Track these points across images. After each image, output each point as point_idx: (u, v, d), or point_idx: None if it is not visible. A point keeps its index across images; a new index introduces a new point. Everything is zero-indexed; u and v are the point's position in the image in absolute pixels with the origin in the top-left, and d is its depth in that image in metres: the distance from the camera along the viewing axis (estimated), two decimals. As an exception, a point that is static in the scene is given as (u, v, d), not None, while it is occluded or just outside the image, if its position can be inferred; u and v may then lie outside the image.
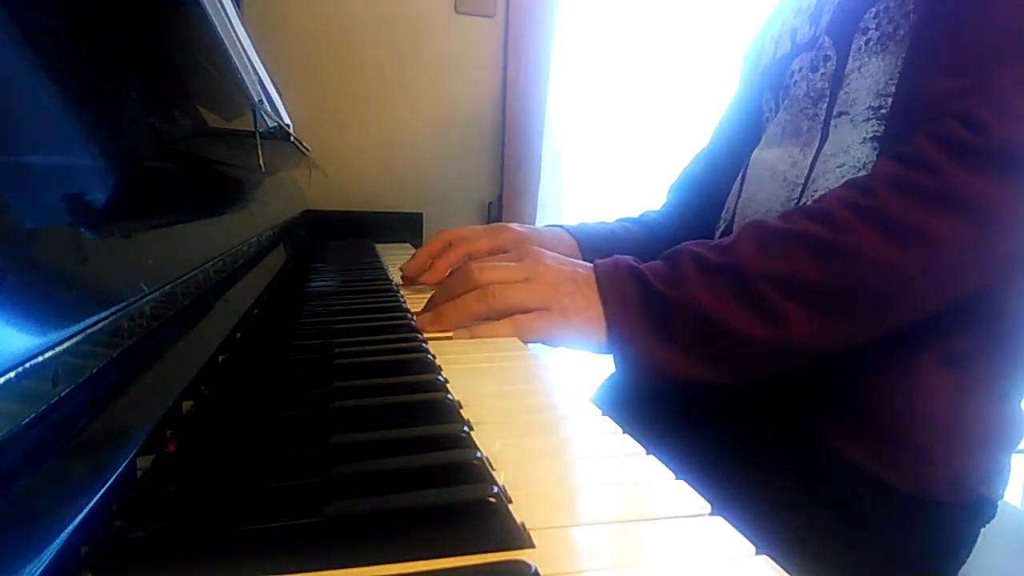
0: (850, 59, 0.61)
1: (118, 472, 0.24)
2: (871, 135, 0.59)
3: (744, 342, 0.52)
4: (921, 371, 0.56)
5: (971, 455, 0.57)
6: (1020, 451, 0.62)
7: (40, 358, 0.22)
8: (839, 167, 0.61)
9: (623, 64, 1.82)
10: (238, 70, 0.66)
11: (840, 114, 0.62)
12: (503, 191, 1.70)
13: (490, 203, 1.71)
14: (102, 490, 0.23)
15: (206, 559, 0.22)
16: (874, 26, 0.59)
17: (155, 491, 0.26)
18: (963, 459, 0.57)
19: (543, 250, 0.60)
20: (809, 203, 0.62)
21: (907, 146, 0.51)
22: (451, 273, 0.58)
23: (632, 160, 1.81)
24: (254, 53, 0.83)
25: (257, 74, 0.77)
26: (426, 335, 0.52)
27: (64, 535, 0.20)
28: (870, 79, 0.60)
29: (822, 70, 0.64)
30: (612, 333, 0.54)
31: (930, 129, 0.50)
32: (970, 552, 0.60)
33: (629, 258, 0.57)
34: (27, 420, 0.21)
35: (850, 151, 0.60)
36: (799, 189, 0.65)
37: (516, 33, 1.63)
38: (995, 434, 0.58)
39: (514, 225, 0.76)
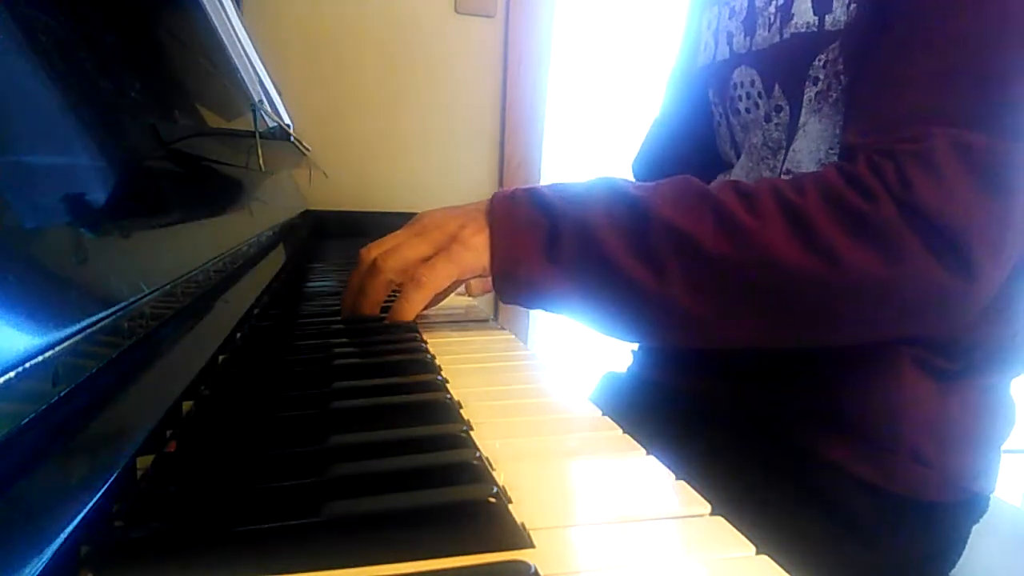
0: (803, 111, 0.59)
1: (118, 472, 0.24)
2: None
3: (623, 283, 0.49)
4: (904, 371, 0.56)
5: (961, 452, 0.57)
6: (1019, 451, 0.62)
7: (40, 358, 0.22)
8: None
9: (623, 64, 1.82)
10: (238, 70, 0.66)
11: (788, 172, 0.61)
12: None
13: (490, 203, 1.71)
14: (102, 490, 0.23)
15: (206, 559, 0.22)
16: (822, 75, 0.57)
17: (155, 491, 0.26)
18: (953, 457, 0.57)
19: (434, 209, 0.58)
20: None
21: (847, 164, 0.49)
22: (362, 274, 0.55)
23: (632, 160, 1.80)
24: (254, 53, 0.83)
25: (257, 74, 0.77)
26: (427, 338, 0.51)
27: (64, 535, 0.20)
28: (811, 142, 0.59)
29: (776, 120, 0.62)
30: (495, 254, 0.51)
31: (868, 158, 0.48)
32: (963, 548, 0.60)
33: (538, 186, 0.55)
34: (27, 420, 0.21)
35: None
36: None
37: (516, 33, 1.63)
38: (985, 428, 0.58)
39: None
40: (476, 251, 0.52)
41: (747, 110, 0.66)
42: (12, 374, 0.20)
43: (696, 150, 0.79)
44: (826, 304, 0.49)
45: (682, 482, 0.28)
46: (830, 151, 0.57)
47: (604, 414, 0.36)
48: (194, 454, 0.30)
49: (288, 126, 0.87)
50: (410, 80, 1.62)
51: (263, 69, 0.91)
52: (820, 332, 0.51)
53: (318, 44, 1.56)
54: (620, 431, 0.34)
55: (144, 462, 0.27)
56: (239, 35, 0.75)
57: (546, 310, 0.53)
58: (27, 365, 0.21)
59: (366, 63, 1.59)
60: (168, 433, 0.31)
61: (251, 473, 0.27)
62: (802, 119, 0.59)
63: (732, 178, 0.68)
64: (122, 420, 0.28)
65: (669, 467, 0.30)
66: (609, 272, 0.50)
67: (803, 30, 0.58)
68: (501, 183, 1.70)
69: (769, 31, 0.62)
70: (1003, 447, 0.60)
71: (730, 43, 0.68)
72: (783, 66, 0.61)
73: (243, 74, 0.68)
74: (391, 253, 0.53)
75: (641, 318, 0.51)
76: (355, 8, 1.56)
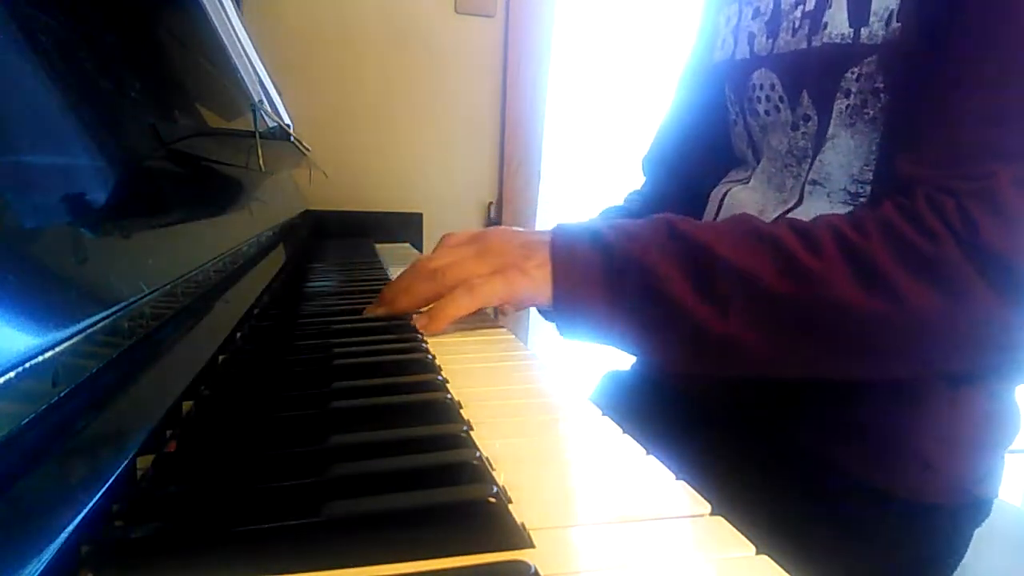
0: (832, 123, 0.58)
1: (118, 472, 0.24)
2: None
3: (687, 321, 0.50)
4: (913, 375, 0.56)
5: (966, 457, 0.57)
6: (1019, 451, 0.62)
7: (40, 358, 0.22)
8: None
9: (623, 64, 1.82)
10: (238, 70, 0.66)
11: (815, 182, 0.60)
12: (503, 191, 1.70)
13: (490, 203, 1.71)
14: (102, 490, 0.23)
15: (206, 559, 0.22)
16: (856, 89, 0.56)
17: (155, 491, 0.26)
18: (958, 461, 0.57)
19: (500, 227, 0.59)
20: None
21: (906, 200, 0.49)
22: (412, 273, 0.56)
23: (632, 160, 1.80)
24: (254, 53, 0.83)
25: (257, 74, 0.77)
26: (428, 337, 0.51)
27: (64, 535, 0.20)
28: (841, 156, 0.58)
29: (803, 129, 0.61)
30: (557, 288, 0.52)
31: (928, 196, 0.48)
32: (965, 551, 0.60)
33: (595, 220, 0.56)
34: (27, 420, 0.21)
35: None
36: None
37: (516, 33, 1.63)
38: (990, 433, 0.58)
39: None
40: (536, 283, 0.52)
41: (766, 112, 0.65)
42: (12, 374, 0.20)
43: (710, 147, 0.78)
44: (887, 342, 0.49)
45: (682, 482, 0.28)
46: (865, 167, 0.57)
47: (604, 414, 0.36)
48: (194, 454, 0.30)
49: (288, 126, 0.87)
50: (410, 80, 1.62)
51: (263, 69, 0.91)
52: (878, 367, 0.52)
53: (318, 44, 1.56)
54: (620, 431, 0.34)
55: (144, 462, 0.27)
56: (239, 35, 0.75)
57: (604, 344, 0.53)
58: (27, 365, 0.21)
59: (366, 63, 1.59)
60: (168, 433, 0.31)
61: (251, 473, 0.27)
62: (831, 131, 0.59)
63: (753, 182, 0.69)
64: (122, 420, 0.28)
65: (669, 467, 0.30)
66: (671, 310, 0.50)
67: (836, 41, 0.57)
68: (501, 183, 1.70)
69: (794, 36, 0.61)
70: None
71: (751, 43, 0.67)
72: (811, 75, 0.60)
73: (243, 74, 0.68)
74: (453, 266, 0.54)
75: (700, 353, 0.52)
76: (355, 8, 1.56)
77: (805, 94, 0.61)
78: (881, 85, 0.54)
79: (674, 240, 0.51)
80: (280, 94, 1.05)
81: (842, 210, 0.57)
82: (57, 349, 0.23)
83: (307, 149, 1.08)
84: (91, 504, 0.22)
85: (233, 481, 0.26)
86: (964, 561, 0.60)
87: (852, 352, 0.50)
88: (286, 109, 1.06)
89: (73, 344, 0.24)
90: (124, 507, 0.24)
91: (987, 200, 0.46)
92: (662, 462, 0.30)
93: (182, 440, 0.31)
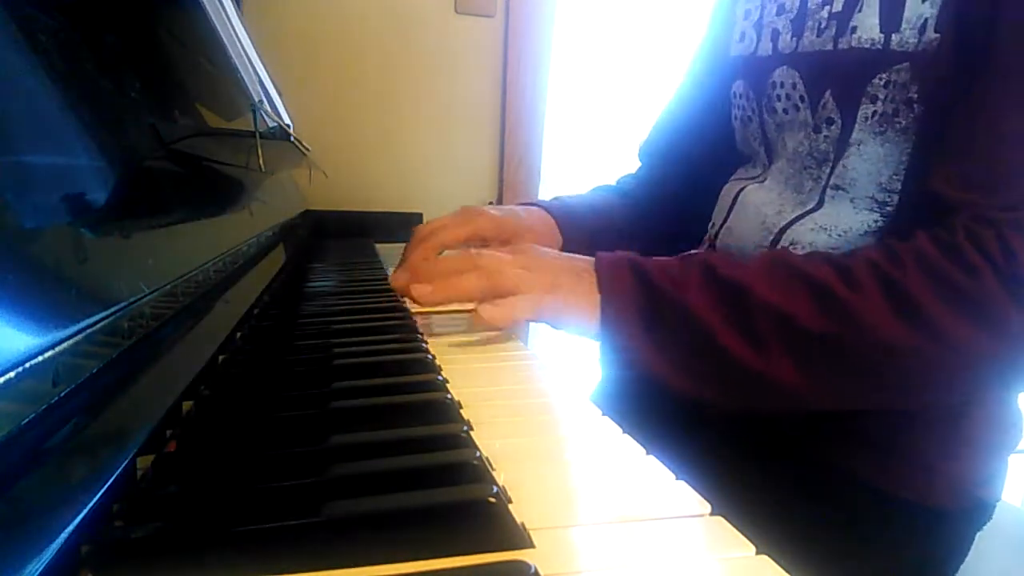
0: (856, 128, 0.58)
1: (118, 472, 0.24)
2: (873, 228, 0.57)
3: (728, 361, 0.50)
4: None
5: (970, 460, 0.57)
6: (1019, 451, 0.62)
7: (40, 358, 0.22)
8: (827, 236, 0.59)
9: (623, 64, 1.82)
10: (238, 70, 0.66)
11: (837, 187, 0.60)
12: (503, 191, 1.70)
13: (490, 203, 1.71)
14: (102, 490, 0.23)
15: (206, 559, 0.22)
16: (883, 97, 0.55)
17: (155, 491, 0.26)
18: (962, 464, 0.57)
19: (518, 230, 0.59)
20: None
21: (944, 232, 0.49)
22: (446, 259, 0.56)
23: (632, 161, 1.80)
24: (254, 53, 0.83)
25: (257, 74, 0.77)
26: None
27: (64, 535, 0.20)
28: (869, 164, 0.57)
29: (825, 132, 0.60)
30: (604, 321, 0.53)
31: (968, 228, 0.48)
32: (967, 554, 0.60)
33: (632, 253, 0.56)
34: (27, 420, 0.21)
35: (842, 230, 0.58)
36: (771, 237, 0.63)
37: (516, 33, 1.63)
38: (994, 438, 0.58)
39: (487, 208, 0.71)
40: (586, 312, 0.53)
41: (784, 111, 0.65)
42: (12, 374, 0.20)
43: (714, 140, 0.78)
44: (930, 377, 0.49)
45: (682, 482, 0.28)
46: (893, 176, 0.56)
47: (604, 414, 0.36)
48: (194, 454, 0.30)
49: (288, 126, 0.87)
50: (410, 80, 1.62)
51: (263, 69, 0.91)
52: (919, 400, 0.52)
53: (318, 44, 1.56)
54: (620, 431, 0.34)
55: (144, 462, 0.27)
56: (239, 35, 0.75)
57: (642, 375, 0.54)
58: (27, 365, 0.21)
59: (366, 63, 1.59)
60: (168, 433, 0.31)
61: (251, 473, 0.27)
62: (855, 135, 0.58)
63: (769, 181, 0.68)
64: (122, 420, 0.28)
65: (669, 467, 0.30)
66: (710, 349, 0.50)
67: (865, 45, 0.56)
68: (501, 183, 1.70)
69: (819, 36, 0.60)
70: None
71: (775, 40, 0.66)
72: (836, 78, 0.59)
73: (243, 74, 0.68)
74: (505, 272, 0.53)
75: (737, 389, 0.52)
76: (355, 8, 1.56)
77: (828, 96, 0.60)
78: (915, 95, 0.54)
79: (713, 281, 0.52)
80: (280, 94, 1.05)
81: (867, 217, 0.57)
82: (57, 349, 0.23)
83: (307, 149, 1.07)
84: (91, 504, 0.22)
85: (233, 481, 0.26)
86: (965, 563, 0.60)
87: (893, 387, 0.51)
88: (286, 109, 1.06)
89: (73, 344, 0.24)
90: (124, 507, 0.24)
91: None
92: (662, 462, 0.30)
93: (182, 440, 0.31)
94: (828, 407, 0.53)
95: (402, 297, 0.61)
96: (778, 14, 0.66)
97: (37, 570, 0.18)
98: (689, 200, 0.80)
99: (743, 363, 0.50)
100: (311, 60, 1.55)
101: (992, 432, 0.58)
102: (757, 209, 0.66)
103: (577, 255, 0.57)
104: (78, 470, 0.23)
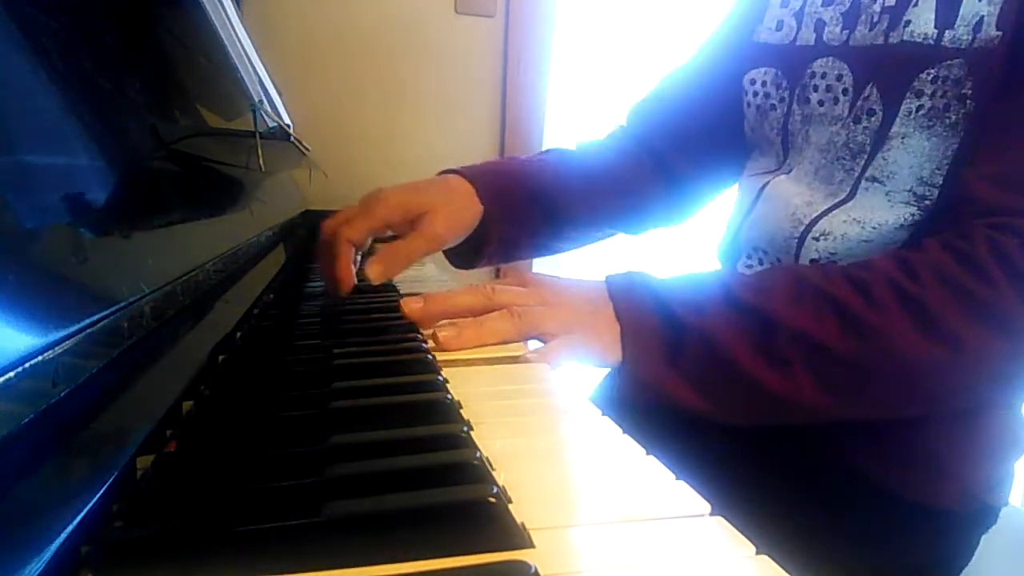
0: (897, 121, 0.57)
1: (118, 472, 0.24)
2: (910, 221, 0.56)
3: (754, 388, 0.50)
4: None
5: (979, 464, 0.57)
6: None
7: (40, 358, 0.22)
8: (860, 228, 0.59)
9: (623, 64, 1.82)
10: (238, 70, 0.66)
11: (874, 179, 0.59)
12: (503, 191, 1.70)
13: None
14: (102, 490, 0.23)
15: (206, 559, 0.22)
16: (929, 92, 0.55)
17: (155, 491, 0.26)
18: (970, 468, 0.57)
19: (545, 275, 0.58)
20: (808, 243, 0.61)
21: (960, 241, 0.49)
22: (466, 288, 0.53)
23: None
24: (254, 53, 0.83)
25: (257, 74, 0.77)
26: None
27: (64, 535, 0.20)
28: (912, 157, 0.57)
29: (865, 123, 0.60)
30: (627, 356, 0.52)
31: (989, 237, 0.48)
32: (970, 558, 0.60)
33: (645, 273, 0.55)
34: (27, 420, 0.21)
35: (876, 223, 0.58)
36: (802, 228, 0.62)
37: (516, 33, 1.63)
38: (1003, 442, 0.58)
39: (388, 190, 0.64)
40: (607, 348, 0.52)
41: (820, 102, 0.64)
42: (12, 374, 0.20)
43: (714, 124, 0.76)
44: (954, 388, 0.50)
45: (682, 482, 0.28)
46: (936, 171, 0.56)
47: (604, 414, 0.36)
48: (194, 454, 0.30)
49: (288, 126, 0.87)
50: (410, 80, 1.62)
51: (263, 69, 0.91)
52: (940, 407, 0.53)
53: (318, 44, 1.56)
54: (620, 431, 0.34)
55: (144, 462, 0.27)
56: (239, 35, 0.75)
57: (665, 405, 0.53)
58: (27, 365, 0.21)
59: (366, 63, 1.59)
60: (168, 433, 0.31)
61: (251, 473, 0.27)
62: (896, 128, 0.57)
63: (796, 172, 0.67)
64: (122, 420, 0.28)
65: (669, 466, 0.30)
66: (734, 376, 0.50)
67: (918, 40, 0.55)
68: (501, 183, 1.70)
69: (872, 30, 0.60)
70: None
71: (819, 30, 0.65)
72: (883, 71, 0.59)
73: (243, 74, 0.68)
74: (530, 312, 0.51)
75: (763, 412, 0.52)
76: (355, 8, 1.56)
77: (873, 88, 0.59)
78: (969, 92, 0.53)
79: (736, 308, 0.51)
80: (280, 94, 1.05)
81: (903, 211, 0.57)
82: (57, 349, 0.23)
83: (307, 149, 1.08)
84: (91, 504, 0.22)
85: (233, 481, 0.26)
86: (969, 565, 0.60)
87: (919, 401, 0.51)
88: (286, 109, 1.06)
89: (73, 344, 0.24)
90: (124, 507, 0.24)
91: None
92: (662, 462, 0.30)
93: (182, 440, 0.31)
94: (848, 419, 0.53)
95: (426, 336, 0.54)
96: (824, 5, 0.65)
97: (37, 570, 0.18)
98: (682, 174, 0.79)
99: (770, 389, 0.50)
100: (311, 60, 1.56)
101: (1001, 437, 0.58)
102: (786, 201, 0.65)
103: (587, 281, 0.56)
104: (78, 470, 0.23)
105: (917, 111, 0.56)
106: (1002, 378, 0.49)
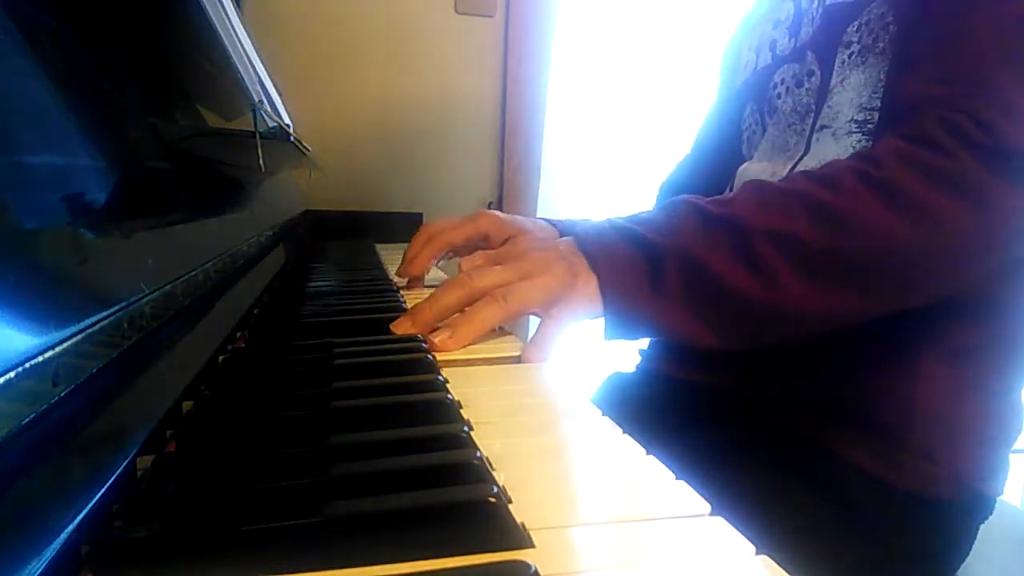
0: (834, 74, 0.61)
1: (118, 472, 0.24)
2: (855, 148, 0.59)
3: (737, 298, 0.50)
4: (920, 368, 0.56)
5: (971, 452, 0.57)
6: (1019, 450, 0.62)
7: (40, 358, 0.22)
8: None
9: (623, 64, 1.82)
10: (238, 70, 0.66)
11: (822, 127, 0.62)
12: (503, 191, 1.70)
13: (490, 203, 1.71)
14: (102, 490, 0.23)
15: (206, 559, 0.22)
16: (856, 39, 0.59)
17: (155, 491, 0.26)
18: (963, 456, 0.57)
19: (522, 229, 0.59)
20: None
21: (914, 129, 0.51)
22: (442, 285, 0.53)
23: (632, 161, 1.81)
24: (254, 53, 0.83)
25: (257, 74, 0.77)
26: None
27: (64, 535, 0.20)
28: (851, 92, 0.60)
29: (807, 85, 0.64)
30: (607, 296, 0.51)
31: (941, 118, 0.50)
32: (970, 549, 0.60)
33: (609, 219, 0.55)
34: (27, 420, 0.21)
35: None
36: None
37: (516, 33, 1.63)
38: (995, 430, 0.58)
39: (494, 212, 0.70)
40: (591, 300, 0.51)
41: (779, 96, 0.68)
42: (12, 374, 0.20)
43: (723, 164, 0.80)
44: (927, 264, 0.50)
45: (682, 482, 0.28)
46: (873, 95, 0.58)
47: (604, 414, 0.36)
48: (194, 454, 0.30)
49: (288, 126, 0.87)
50: (410, 80, 1.62)
51: (263, 69, 0.91)
52: (926, 293, 0.53)
53: (318, 44, 1.56)
54: (620, 431, 0.34)
55: (144, 462, 0.27)
56: (239, 35, 0.75)
57: (653, 338, 0.53)
58: (27, 365, 0.21)
59: (366, 63, 1.59)
60: (168, 433, 0.31)
61: (251, 473, 0.27)
62: (834, 80, 0.61)
63: (758, 153, 0.71)
64: (122, 420, 0.28)
65: (669, 467, 0.30)
66: (719, 291, 0.50)
67: (839, 1, 0.60)
68: (501, 183, 1.70)
69: (813, 24, 0.64)
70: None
71: (773, 48, 0.70)
72: (816, 36, 0.63)
73: (243, 74, 0.68)
74: (513, 291, 0.50)
75: (752, 324, 0.52)
76: (355, 8, 1.56)
77: (809, 53, 0.64)
78: (891, 19, 0.56)
79: (704, 221, 0.52)
80: (280, 94, 1.05)
81: (847, 142, 0.60)
82: (57, 349, 0.23)
83: (307, 149, 1.08)
84: (91, 504, 0.22)
85: (233, 481, 0.26)
86: (964, 564, 0.60)
87: (898, 286, 0.51)
88: (286, 109, 1.06)
89: (73, 344, 0.24)
90: (124, 507, 0.24)
91: (999, 104, 0.48)
92: (662, 462, 0.30)
93: (182, 440, 0.31)
94: (834, 325, 0.53)
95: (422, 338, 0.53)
96: (775, 27, 0.70)
97: (37, 570, 0.18)
98: None
99: (754, 297, 0.50)
100: (311, 60, 1.56)
101: (991, 425, 0.58)
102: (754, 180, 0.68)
103: (559, 240, 0.56)
104: (78, 470, 0.23)
105: (849, 57, 0.60)
106: (973, 251, 0.50)
